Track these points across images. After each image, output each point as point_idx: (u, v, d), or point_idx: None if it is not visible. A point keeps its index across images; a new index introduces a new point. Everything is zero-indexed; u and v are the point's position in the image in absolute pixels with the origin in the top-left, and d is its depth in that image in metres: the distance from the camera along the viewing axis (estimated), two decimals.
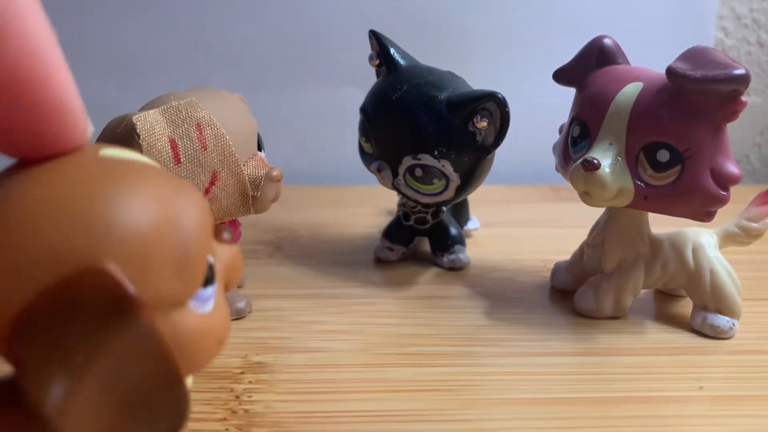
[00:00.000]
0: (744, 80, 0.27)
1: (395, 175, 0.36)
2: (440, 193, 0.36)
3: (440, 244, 0.42)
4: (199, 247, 0.16)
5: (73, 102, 0.16)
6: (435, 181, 0.36)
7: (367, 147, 0.38)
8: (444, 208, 0.41)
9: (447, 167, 0.35)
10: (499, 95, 0.33)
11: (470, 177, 0.36)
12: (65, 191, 0.15)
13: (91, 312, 0.14)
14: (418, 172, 0.36)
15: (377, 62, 0.38)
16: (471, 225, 0.46)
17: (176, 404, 0.15)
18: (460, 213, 0.45)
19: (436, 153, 0.34)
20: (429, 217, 0.41)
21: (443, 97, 0.34)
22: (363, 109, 0.37)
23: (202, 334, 0.17)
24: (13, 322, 0.14)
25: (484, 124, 0.34)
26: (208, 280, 0.17)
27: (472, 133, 0.35)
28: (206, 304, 0.17)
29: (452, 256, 0.41)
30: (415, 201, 0.38)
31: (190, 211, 0.16)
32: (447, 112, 0.34)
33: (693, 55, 0.29)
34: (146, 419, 0.15)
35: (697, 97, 0.28)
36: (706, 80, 0.27)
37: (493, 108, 0.34)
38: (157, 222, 0.15)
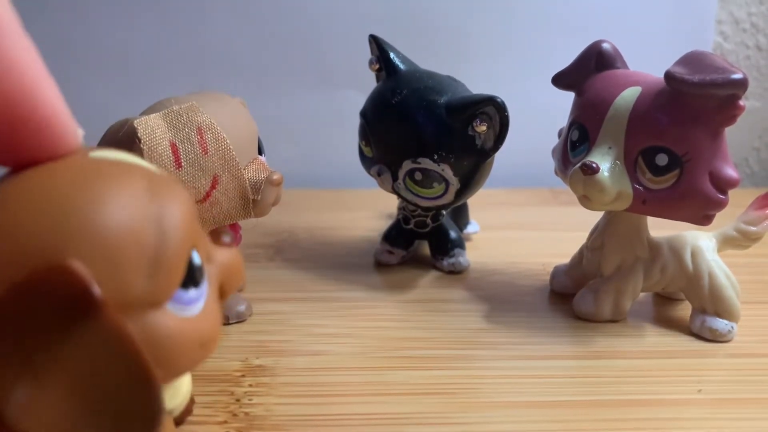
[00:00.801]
0: (742, 84, 0.27)
1: (395, 178, 0.37)
2: (440, 196, 0.36)
3: (440, 247, 0.42)
4: (177, 247, 0.16)
5: (57, 113, 0.16)
6: (435, 184, 0.36)
7: (367, 151, 0.38)
8: (444, 212, 0.41)
9: (446, 171, 0.35)
10: (498, 99, 0.33)
11: (470, 181, 0.36)
12: (40, 192, 0.15)
13: (53, 310, 0.13)
14: (418, 175, 0.36)
15: (377, 66, 0.38)
16: (471, 228, 0.47)
17: (148, 407, 0.14)
18: (460, 216, 0.45)
19: (435, 157, 0.34)
20: (429, 220, 0.41)
21: (443, 102, 0.34)
22: (363, 113, 0.38)
23: (180, 337, 0.16)
24: None
25: (484, 128, 0.34)
26: (192, 282, 0.16)
27: (471, 137, 0.35)
28: (189, 306, 0.16)
29: (452, 260, 0.41)
30: (415, 204, 0.38)
31: (169, 210, 0.16)
32: (446, 117, 0.34)
33: (691, 60, 0.29)
34: (115, 422, 0.14)
35: (695, 102, 0.28)
36: (704, 84, 0.28)
37: (492, 112, 0.34)
38: (128, 220, 0.15)
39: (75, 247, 0.14)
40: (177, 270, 0.16)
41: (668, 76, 0.28)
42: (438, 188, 0.36)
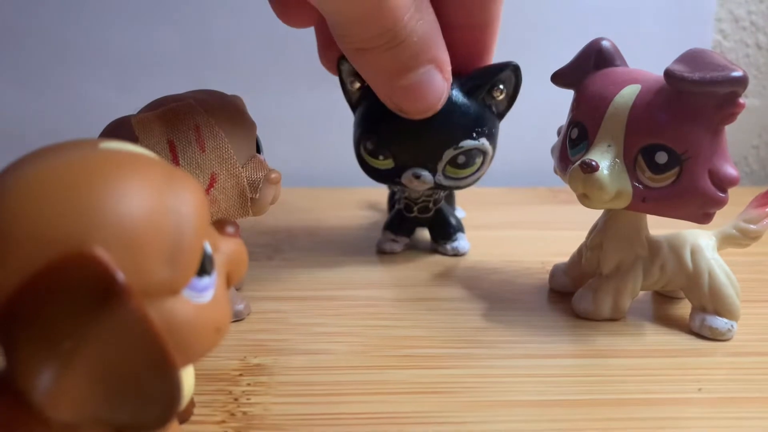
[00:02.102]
0: (742, 82, 0.27)
1: (434, 172, 0.37)
2: (478, 169, 0.38)
3: (442, 232, 0.43)
4: (193, 236, 0.16)
5: None
6: (476, 160, 0.37)
7: (386, 164, 0.38)
8: (442, 194, 0.42)
9: (485, 143, 0.37)
10: (515, 63, 0.37)
11: (496, 145, 0.38)
12: (57, 178, 0.15)
13: (79, 297, 0.14)
14: (461, 159, 0.37)
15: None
16: (459, 214, 0.47)
17: (168, 391, 0.15)
18: (449, 204, 0.46)
19: (474, 135, 0.36)
20: (431, 204, 0.42)
21: (457, 83, 0.36)
22: (373, 132, 0.37)
23: (197, 323, 0.17)
24: (1, 308, 0.14)
25: (502, 95, 0.37)
26: (205, 270, 0.17)
27: (489, 105, 0.37)
28: (203, 294, 0.17)
29: (455, 244, 0.43)
30: (455, 188, 0.39)
31: (185, 200, 0.16)
32: (466, 94, 0.36)
33: (691, 58, 0.29)
34: (137, 405, 0.15)
35: (695, 100, 0.28)
36: (704, 82, 0.28)
37: (509, 76, 0.37)
38: (149, 208, 0.15)
39: (98, 235, 0.14)
40: (194, 257, 0.16)
41: (668, 73, 0.28)
42: (478, 161, 0.37)
